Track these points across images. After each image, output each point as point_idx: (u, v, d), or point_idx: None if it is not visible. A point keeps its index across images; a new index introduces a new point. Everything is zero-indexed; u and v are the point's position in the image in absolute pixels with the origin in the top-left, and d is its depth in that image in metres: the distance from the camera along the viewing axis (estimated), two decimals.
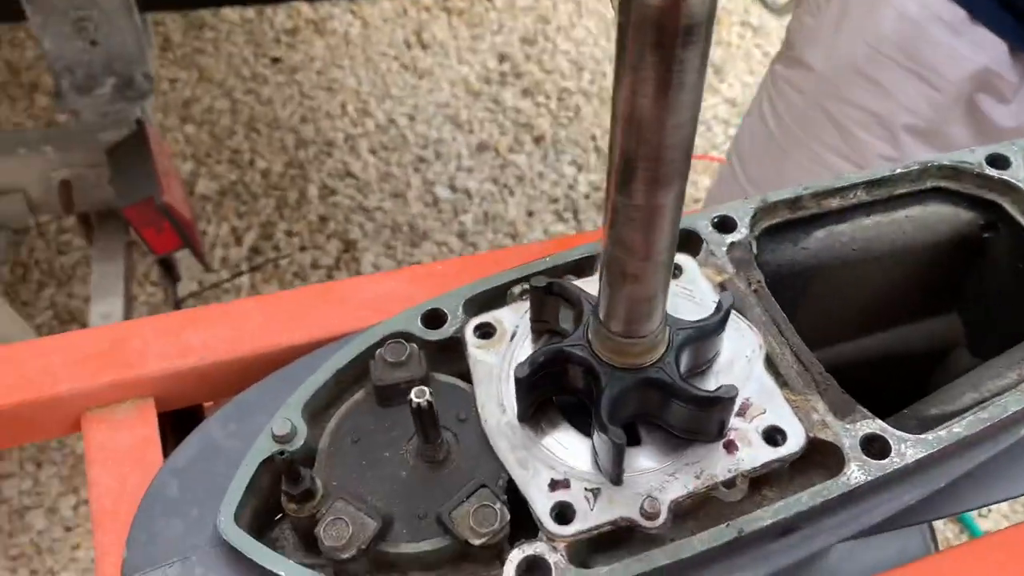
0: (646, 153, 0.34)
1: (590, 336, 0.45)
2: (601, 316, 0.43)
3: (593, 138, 2.27)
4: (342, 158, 2.19)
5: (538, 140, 2.25)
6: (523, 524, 0.46)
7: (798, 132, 1.04)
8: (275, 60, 2.35)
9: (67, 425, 0.53)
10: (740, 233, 0.56)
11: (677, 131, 0.33)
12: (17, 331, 1.03)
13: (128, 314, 1.44)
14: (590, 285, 0.48)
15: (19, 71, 2.23)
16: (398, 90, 2.33)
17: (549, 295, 0.48)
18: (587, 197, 2.15)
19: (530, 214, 2.16)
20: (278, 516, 0.50)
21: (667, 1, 0.29)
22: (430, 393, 0.44)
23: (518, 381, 0.45)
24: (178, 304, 1.55)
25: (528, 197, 2.18)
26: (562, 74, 2.42)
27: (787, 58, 1.06)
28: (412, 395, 0.44)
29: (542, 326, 0.50)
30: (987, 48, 0.88)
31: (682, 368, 0.45)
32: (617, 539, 0.47)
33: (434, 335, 0.52)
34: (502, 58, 2.41)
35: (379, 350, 0.50)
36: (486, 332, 0.52)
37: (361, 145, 2.22)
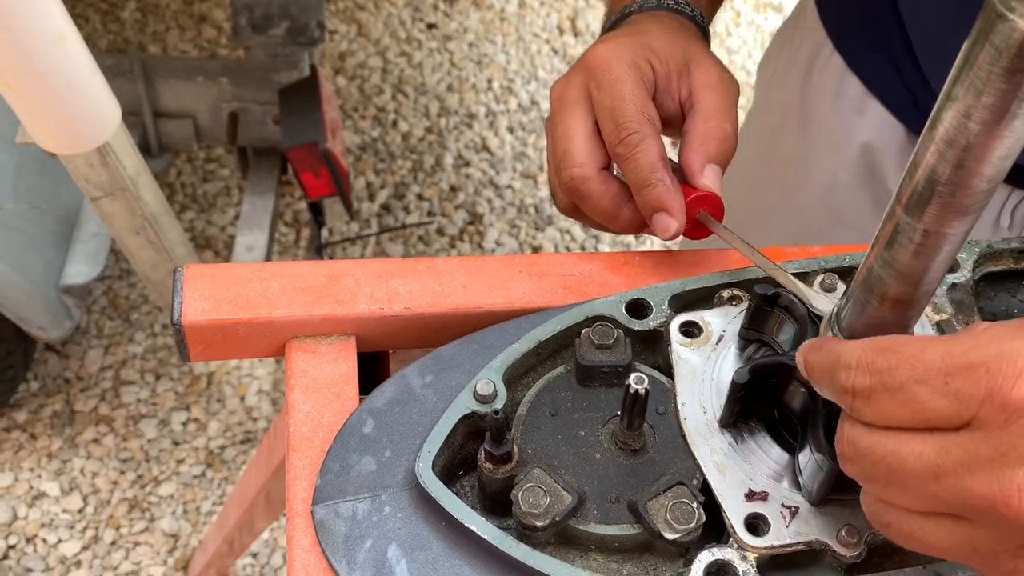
0: (958, 180, 0.33)
1: None
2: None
3: None
4: (481, 132, 2.21)
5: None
6: (706, 527, 0.46)
7: None
8: (431, 26, 2.39)
9: (273, 348, 0.55)
10: (963, 275, 0.54)
11: (999, 163, 0.32)
12: (181, 246, 1.08)
13: (270, 248, 1.49)
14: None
15: (192, 1, 2.33)
16: (544, 73, 2.34)
17: (772, 306, 0.48)
18: None
19: None
20: (459, 472, 0.51)
21: None
22: (648, 382, 0.44)
23: (734, 385, 0.45)
24: (321, 248, 1.60)
25: None
26: None
27: None
28: (631, 380, 0.44)
29: (753, 335, 0.50)
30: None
31: None
32: (798, 560, 0.46)
33: (638, 324, 0.52)
34: None
35: (586, 330, 0.51)
36: (691, 331, 0.52)
37: (501, 122, 2.23)
